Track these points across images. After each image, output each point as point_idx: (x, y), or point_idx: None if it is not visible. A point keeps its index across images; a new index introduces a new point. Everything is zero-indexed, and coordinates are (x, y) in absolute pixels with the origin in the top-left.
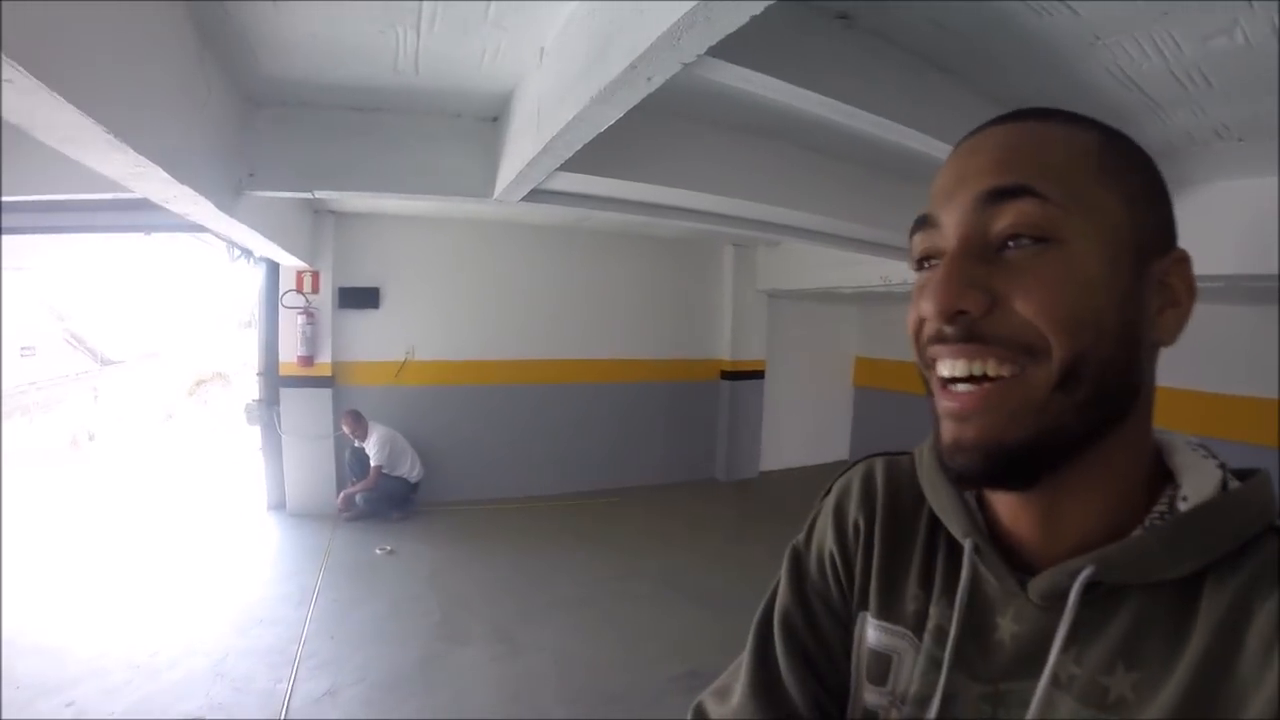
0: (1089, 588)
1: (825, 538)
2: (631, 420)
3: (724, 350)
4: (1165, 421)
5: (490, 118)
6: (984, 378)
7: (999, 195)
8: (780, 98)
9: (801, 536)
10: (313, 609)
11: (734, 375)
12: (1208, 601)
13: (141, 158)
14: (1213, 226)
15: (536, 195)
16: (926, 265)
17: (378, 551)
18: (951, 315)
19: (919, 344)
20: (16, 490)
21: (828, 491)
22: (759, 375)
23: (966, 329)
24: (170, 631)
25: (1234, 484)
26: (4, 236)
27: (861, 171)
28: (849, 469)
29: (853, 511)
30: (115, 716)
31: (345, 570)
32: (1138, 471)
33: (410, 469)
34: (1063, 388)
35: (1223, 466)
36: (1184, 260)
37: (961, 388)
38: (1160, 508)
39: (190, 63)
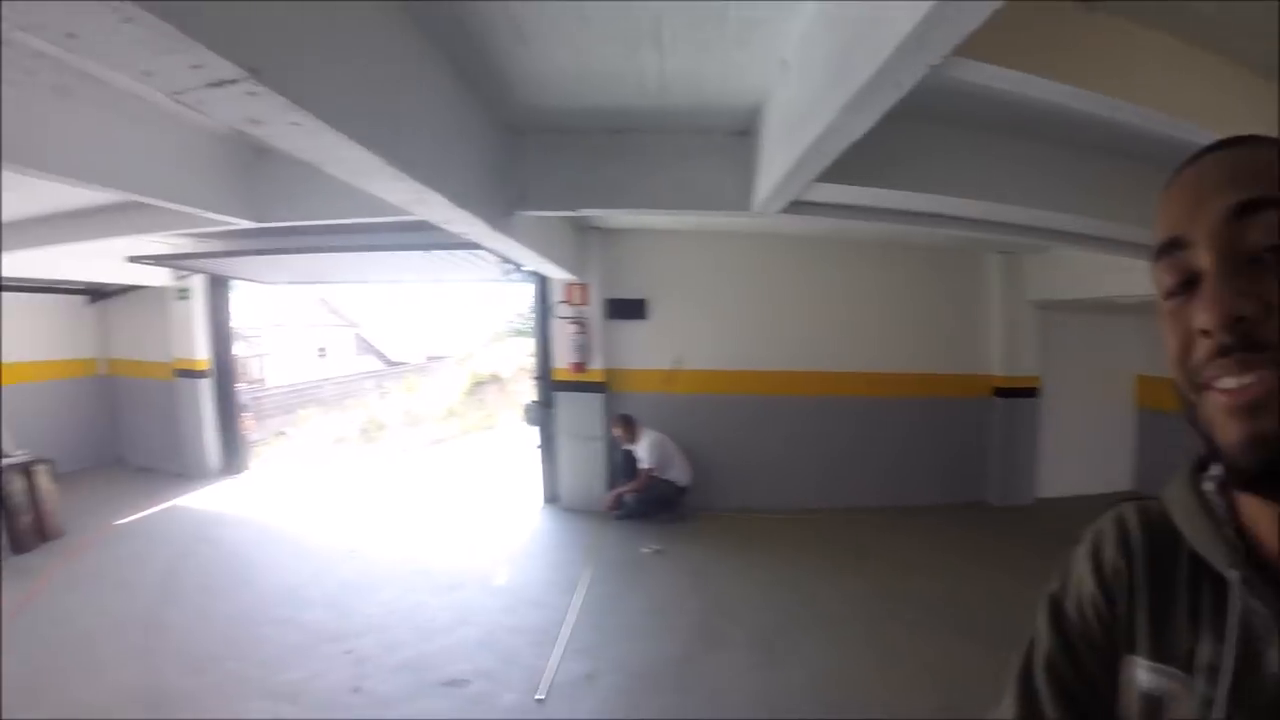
0: None
1: (1084, 583)
2: (898, 436)
3: (994, 365)
4: None
5: (739, 131)
6: None
7: (1249, 209)
8: (1035, 93)
9: (1056, 585)
10: (579, 598)
11: (1006, 392)
12: None
13: (421, 185)
14: None
15: (795, 207)
16: (1181, 292)
17: (644, 550)
18: (1232, 323)
19: (1188, 367)
20: (317, 469)
21: (1080, 540)
22: (1032, 393)
23: (1246, 336)
24: (447, 602)
25: None
26: (307, 256)
27: (1135, 167)
28: (1100, 518)
29: (1110, 556)
30: (392, 665)
31: (613, 565)
32: None
33: (679, 473)
34: None
35: None
36: None
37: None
38: None
39: (454, 100)
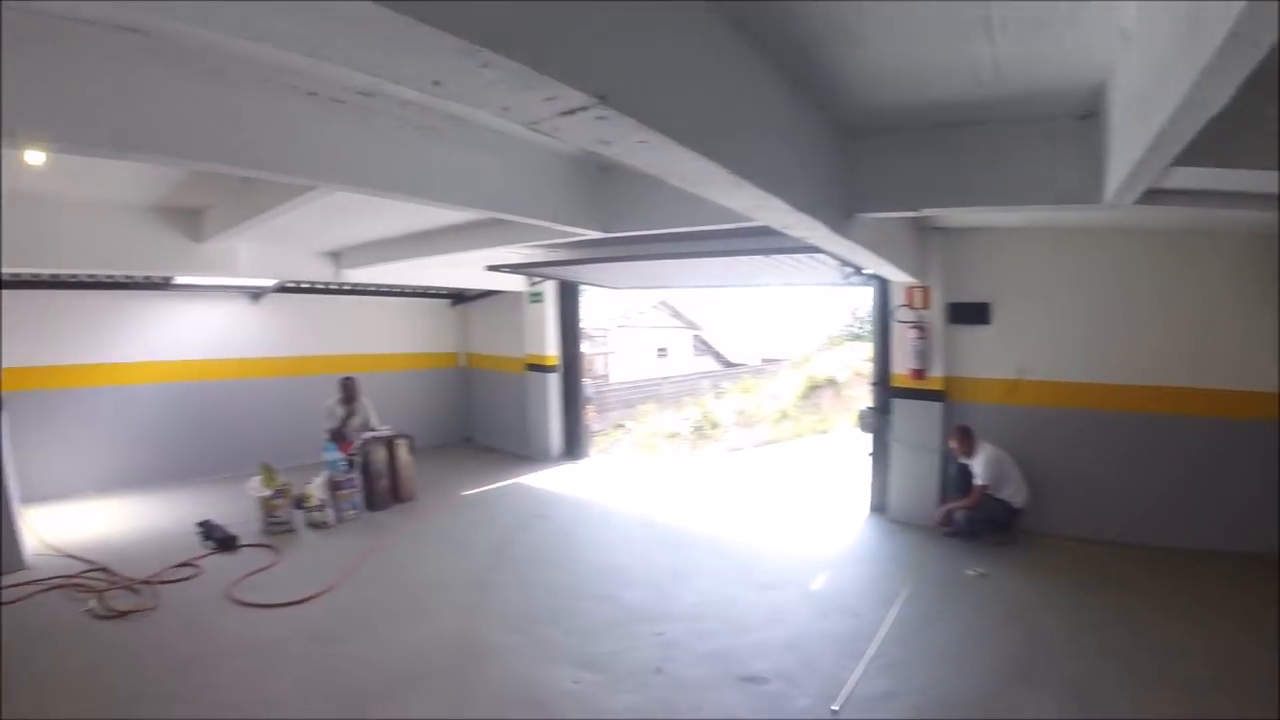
0: None
1: None
2: (1259, 469)
3: None
4: None
5: (1083, 115)
6: None
7: None
8: None
9: None
10: (894, 613)
11: None
12: None
13: (761, 192)
14: None
15: (1151, 196)
16: None
17: (969, 572)
18: None
19: None
20: (652, 461)
21: None
22: None
23: None
24: (762, 599)
25: None
26: (650, 262)
27: None
28: None
29: None
30: (698, 653)
31: (933, 583)
32: None
33: (1015, 493)
34: None
35: None
36: None
37: None
38: None
39: (788, 105)
